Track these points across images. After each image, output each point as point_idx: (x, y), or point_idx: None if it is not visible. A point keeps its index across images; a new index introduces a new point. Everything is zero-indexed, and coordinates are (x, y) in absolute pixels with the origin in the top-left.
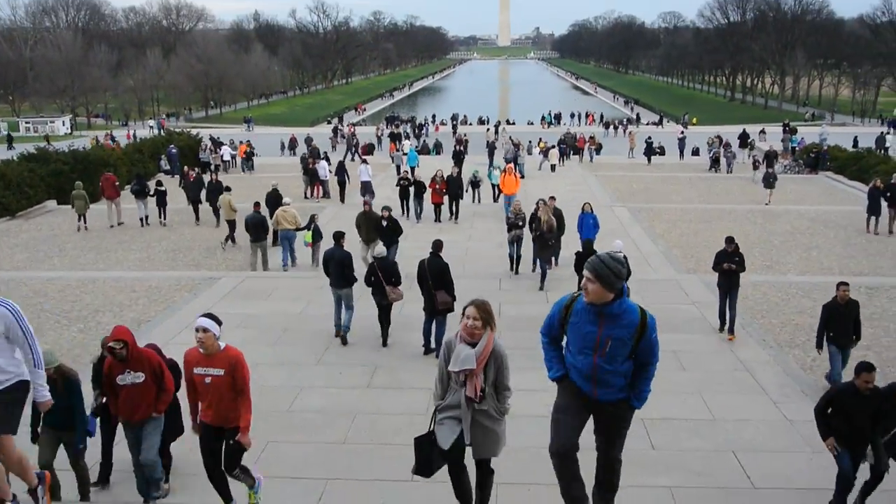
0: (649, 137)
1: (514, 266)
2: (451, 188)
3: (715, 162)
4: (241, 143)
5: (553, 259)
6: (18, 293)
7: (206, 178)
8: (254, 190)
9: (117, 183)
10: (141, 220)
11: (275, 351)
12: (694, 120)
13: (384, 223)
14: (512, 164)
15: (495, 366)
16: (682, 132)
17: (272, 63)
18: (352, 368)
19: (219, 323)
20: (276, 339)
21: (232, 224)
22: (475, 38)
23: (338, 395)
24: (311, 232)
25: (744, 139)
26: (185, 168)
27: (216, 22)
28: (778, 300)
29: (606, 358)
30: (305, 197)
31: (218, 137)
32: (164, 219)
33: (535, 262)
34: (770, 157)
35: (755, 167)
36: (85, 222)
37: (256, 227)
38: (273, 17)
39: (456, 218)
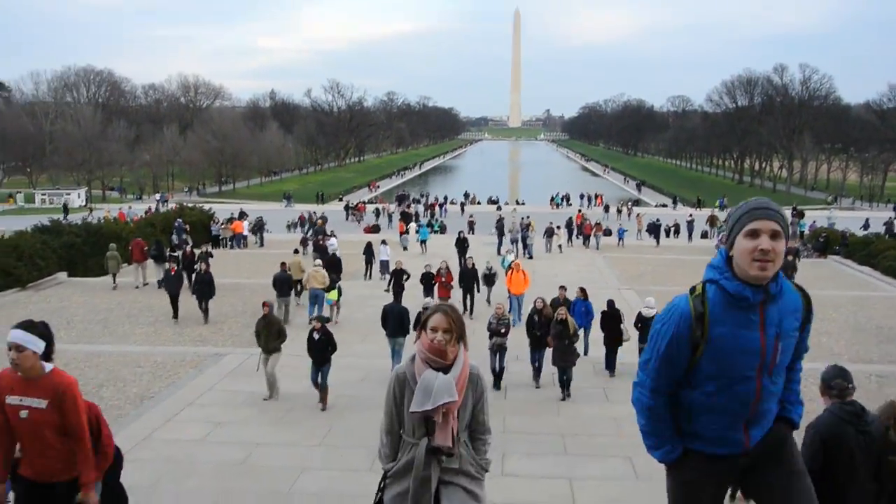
0: (657, 219)
1: (497, 381)
2: (466, 280)
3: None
4: (237, 219)
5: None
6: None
7: (200, 265)
8: (259, 266)
9: (145, 248)
10: (158, 282)
11: (277, 430)
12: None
13: (315, 336)
14: (519, 262)
15: (473, 398)
16: (691, 214)
17: (286, 140)
18: (354, 450)
19: (45, 338)
20: (278, 418)
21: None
22: (486, 119)
23: (339, 478)
24: (336, 292)
25: None
26: (187, 248)
27: (233, 100)
28: None
29: (774, 373)
30: None
31: (239, 215)
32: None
33: (535, 366)
34: (794, 252)
35: None
36: (115, 280)
37: (282, 284)
38: (289, 95)
39: (471, 313)
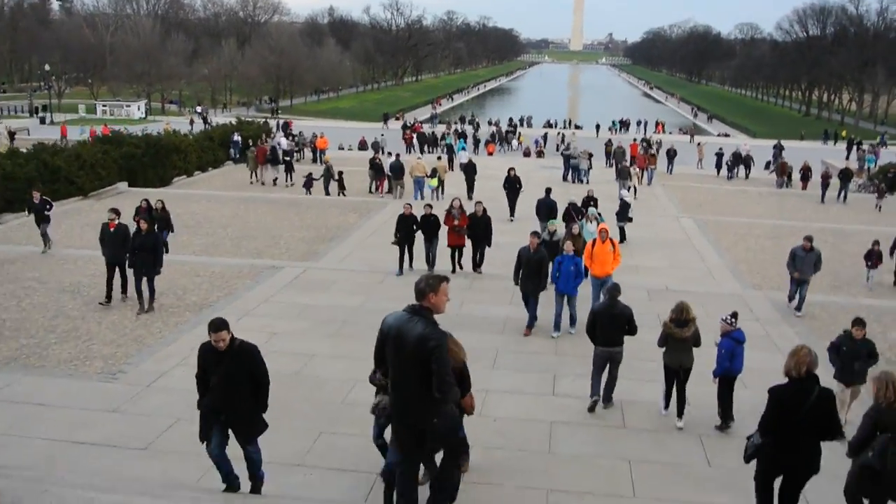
0: (720, 149)
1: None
2: (476, 228)
3: (786, 178)
4: (321, 134)
5: None
6: (87, 271)
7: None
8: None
9: (267, 154)
10: (274, 180)
11: (332, 343)
12: (843, 133)
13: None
14: (605, 225)
15: None
16: (746, 144)
17: (344, 58)
18: None
19: None
20: (334, 331)
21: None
22: (547, 42)
23: None
24: (436, 179)
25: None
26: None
27: (291, 15)
28: (846, 323)
29: None
30: (370, 192)
31: (314, 135)
32: (291, 182)
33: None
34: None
35: (880, 194)
36: (255, 178)
37: (396, 170)
38: (347, 12)
39: (479, 267)
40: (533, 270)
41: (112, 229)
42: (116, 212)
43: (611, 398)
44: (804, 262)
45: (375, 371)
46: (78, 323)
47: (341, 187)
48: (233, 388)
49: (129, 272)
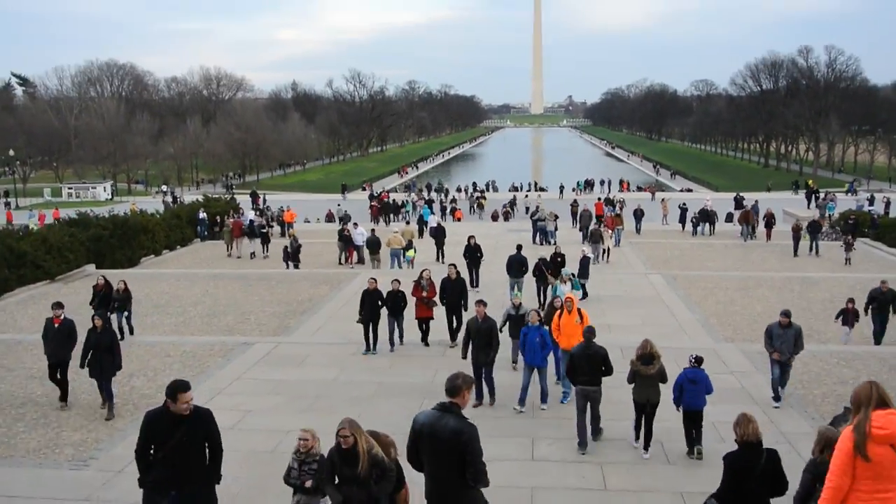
0: (683, 203)
1: None
2: (450, 295)
3: (751, 228)
4: (287, 208)
5: None
6: None
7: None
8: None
9: (243, 227)
10: (251, 253)
11: (307, 418)
12: (809, 182)
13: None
14: (572, 295)
15: None
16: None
17: (309, 131)
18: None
19: None
20: (307, 406)
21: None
22: (508, 107)
23: None
24: (413, 251)
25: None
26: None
27: (255, 91)
28: (819, 370)
29: None
30: (340, 263)
31: (280, 209)
32: (266, 253)
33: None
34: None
35: (848, 247)
36: (231, 251)
37: (373, 245)
38: (310, 86)
39: (454, 338)
40: (483, 341)
41: (57, 325)
42: (61, 306)
43: (599, 430)
44: (783, 341)
45: (290, 470)
46: (47, 410)
47: (296, 259)
48: (189, 457)
49: (71, 374)
